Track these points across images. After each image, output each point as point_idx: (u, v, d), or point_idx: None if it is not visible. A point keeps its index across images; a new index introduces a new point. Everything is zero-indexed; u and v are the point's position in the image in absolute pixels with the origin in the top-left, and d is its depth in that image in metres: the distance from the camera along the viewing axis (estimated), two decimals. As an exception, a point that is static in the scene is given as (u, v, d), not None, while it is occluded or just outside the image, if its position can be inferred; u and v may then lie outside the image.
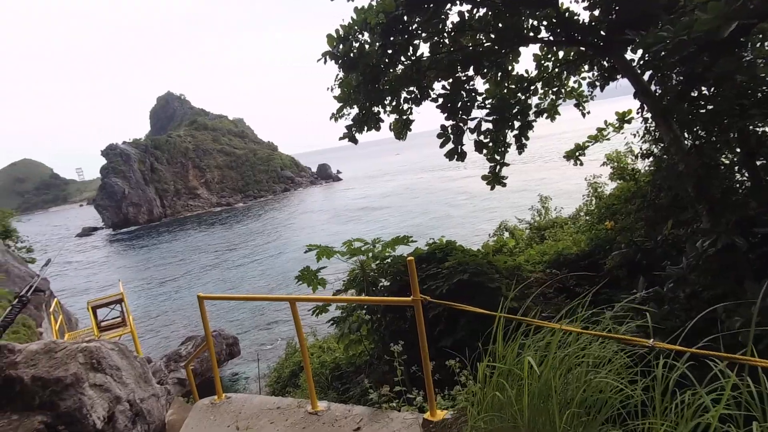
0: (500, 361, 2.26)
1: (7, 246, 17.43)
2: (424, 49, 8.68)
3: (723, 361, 1.81)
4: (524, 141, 9.94)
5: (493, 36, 8.69)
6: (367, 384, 3.59)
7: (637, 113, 7.72)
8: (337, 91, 8.97)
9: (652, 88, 7.09)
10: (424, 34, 8.36)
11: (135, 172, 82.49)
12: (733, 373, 1.81)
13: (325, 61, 7.94)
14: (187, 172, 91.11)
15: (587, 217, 14.42)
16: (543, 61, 9.98)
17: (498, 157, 9.81)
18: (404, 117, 9.55)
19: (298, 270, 8.92)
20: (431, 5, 7.63)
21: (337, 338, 10.38)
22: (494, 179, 9.95)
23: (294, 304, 3.32)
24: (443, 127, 8.54)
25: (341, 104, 8.81)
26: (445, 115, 8.46)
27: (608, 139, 10.18)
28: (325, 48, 7.92)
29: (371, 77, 8.04)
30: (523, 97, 9.71)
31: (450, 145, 8.50)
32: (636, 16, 6.22)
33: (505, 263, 9.97)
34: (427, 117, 9.99)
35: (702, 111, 6.21)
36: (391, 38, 7.66)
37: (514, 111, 9.24)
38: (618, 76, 9.07)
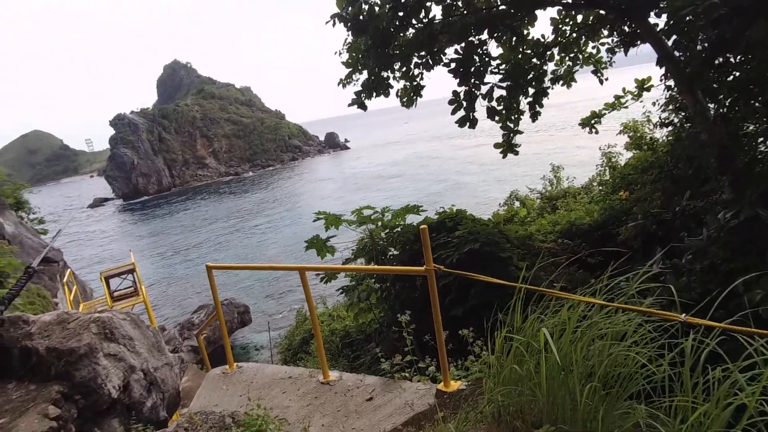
0: (519, 333, 2.18)
1: (20, 218, 17.57)
2: (437, 11, 8.36)
3: (763, 338, 1.71)
4: (538, 108, 9.67)
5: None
6: (379, 353, 3.55)
7: (660, 80, 7.40)
8: (346, 56, 8.71)
9: (676, 54, 6.78)
10: (436, -4, 8.03)
11: (143, 143, 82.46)
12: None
13: (334, 24, 7.66)
14: (195, 141, 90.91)
15: (600, 188, 14.17)
16: (561, 26, 9.58)
17: (511, 125, 9.57)
18: (414, 83, 9.29)
19: (308, 238, 8.88)
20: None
21: (347, 307, 10.44)
22: (507, 147, 9.74)
23: (304, 273, 3.26)
24: (455, 93, 8.28)
25: (350, 70, 8.56)
26: (458, 80, 8.18)
27: (626, 107, 9.86)
28: (334, 10, 7.63)
29: (381, 41, 7.76)
30: (538, 63, 9.38)
31: (461, 112, 8.25)
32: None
33: (516, 233, 9.86)
34: (436, 85, 9.72)
35: (728, 79, 5.93)
36: (403, 0, 7.36)
37: (528, 77, 8.93)
38: (639, 42, 8.70)
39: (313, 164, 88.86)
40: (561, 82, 10.25)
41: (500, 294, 7.16)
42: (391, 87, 8.89)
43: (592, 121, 10.11)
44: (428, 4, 7.94)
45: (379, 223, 9.07)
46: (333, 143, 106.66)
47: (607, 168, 14.50)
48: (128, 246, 40.62)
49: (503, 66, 8.98)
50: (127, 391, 4.49)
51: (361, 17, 7.43)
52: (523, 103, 9.46)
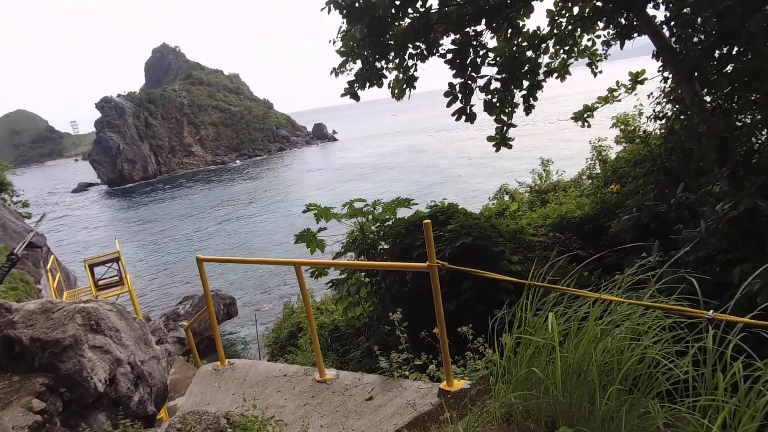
0: (529, 331, 2.09)
1: (3, 200, 17.11)
2: (433, 1, 8.20)
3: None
4: (532, 101, 9.60)
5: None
6: (377, 351, 3.46)
7: (658, 72, 7.37)
8: (339, 44, 8.54)
9: (674, 46, 6.74)
10: (433, -16, 7.87)
11: (130, 127, 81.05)
12: None
13: (329, 11, 7.48)
14: (182, 128, 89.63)
15: (589, 181, 14.22)
16: (557, 17, 9.48)
17: (505, 118, 9.48)
18: (408, 74, 9.15)
19: (297, 230, 8.76)
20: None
21: (336, 300, 10.33)
22: (501, 141, 9.65)
23: (299, 269, 3.14)
24: (451, 85, 8.16)
25: (344, 59, 8.39)
26: (453, 72, 8.06)
27: (619, 101, 9.85)
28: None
29: (377, 29, 7.60)
30: (533, 56, 9.29)
31: (457, 105, 8.14)
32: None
33: (508, 227, 9.82)
34: (424, 77, 9.56)
35: (726, 71, 5.92)
36: (399, -13, 7.20)
37: (523, 69, 8.84)
38: (635, 34, 8.65)
39: (301, 155, 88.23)
40: (555, 74, 10.18)
41: (493, 287, 7.15)
42: (385, 77, 8.75)
43: (585, 115, 10.07)
44: (425, -8, 7.79)
45: (370, 217, 8.96)
46: (321, 134, 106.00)
47: (597, 161, 14.55)
48: (113, 233, 40.04)
49: (498, 58, 8.88)
50: (114, 384, 4.35)
51: (357, 4, 7.26)
52: (517, 96, 9.38)
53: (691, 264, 5.33)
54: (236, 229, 38.59)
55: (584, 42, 10.15)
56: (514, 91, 9.22)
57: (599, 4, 8.91)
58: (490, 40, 9.00)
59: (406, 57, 8.79)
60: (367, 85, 8.69)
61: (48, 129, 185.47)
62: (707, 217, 4.91)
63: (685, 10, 5.22)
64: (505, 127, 9.52)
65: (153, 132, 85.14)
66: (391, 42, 8.24)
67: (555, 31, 9.56)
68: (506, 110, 9.37)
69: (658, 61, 7.63)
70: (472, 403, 2.27)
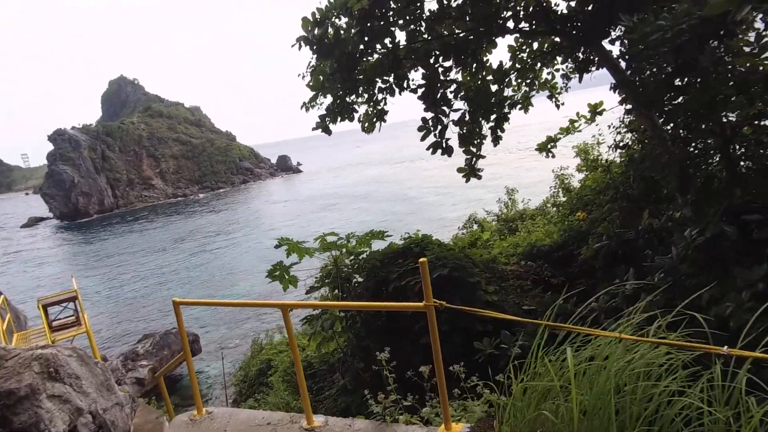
0: (539, 371, 2.04)
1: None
2: (402, 37, 8.42)
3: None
4: (500, 133, 9.87)
5: (469, 24, 8.50)
6: (368, 396, 3.32)
7: (620, 104, 7.72)
8: (309, 79, 8.59)
9: (631, 78, 7.08)
10: (400, 22, 8.08)
11: (85, 160, 78.33)
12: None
13: (300, 47, 7.53)
14: (141, 161, 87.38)
15: (554, 209, 14.60)
16: (518, 53, 9.88)
17: (474, 149, 9.70)
18: (378, 108, 9.28)
19: (265, 264, 8.55)
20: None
21: (309, 336, 10.06)
22: (470, 171, 9.84)
23: (286, 311, 3.01)
24: (424, 119, 8.32)
25: (315, 93, 8.43)
26: (425, 106, 8.24)
27: (580, 131, 10.24)
28: (285, 35, 7.53)
29: (347, 65, 7.69)
30: (499, 89, 9.61)
31: (431, 138, 8.28)
32: (624, 2, 6.13)
33: (481, 256, 9.90)
34: (391, 110, 9.72)
35: (681, 102, 6.25)
36: (368, 24, 7.34)
37: (491, 101, 9.13)
38: (592, 68, 9.08)
39: (265, 187, 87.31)
40: (519, 106, 10.53)
41: (471, 320, 7.13)
42: (356, 111, 8.83)
43: (549, 146, 10.40)
44: (393, 29, 7.98)
45: (344, 250, 8.86)
46: (285, 166, 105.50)
47: (560, 189, 14.99)
48: (67, 269, 38.11)
49: (464, 93, 9.12)
50: (74, 435, 4.03)
51: (326, 40, 7.34)
52: (485, 128, 9.63)
53: (662, 290, 5.48)
54: (201, 263, 37.39)
55: (544, 75, 10.60)
56: (482, 123, 9.47)
57: (557, 39, 9.36)
58: (456, 75, 9.28)
59: (376, 91, 8.92)
60: (339, 119, 8.74)
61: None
62: (677, 243, 5.07)
63: (642, 46, 5.51)
64: (474, 158, 9.73)
65: (110, 165, 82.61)
66: (361, 77, 8.36)
67: (517, 65, 9.95)
68: (475, 142, 9.59)
69: (615, 93, 8.01)
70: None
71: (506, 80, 9.80)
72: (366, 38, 7.56)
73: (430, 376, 3.61)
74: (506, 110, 9.71)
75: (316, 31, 7.29)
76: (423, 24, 8.31)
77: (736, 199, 5.25)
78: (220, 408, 3.52)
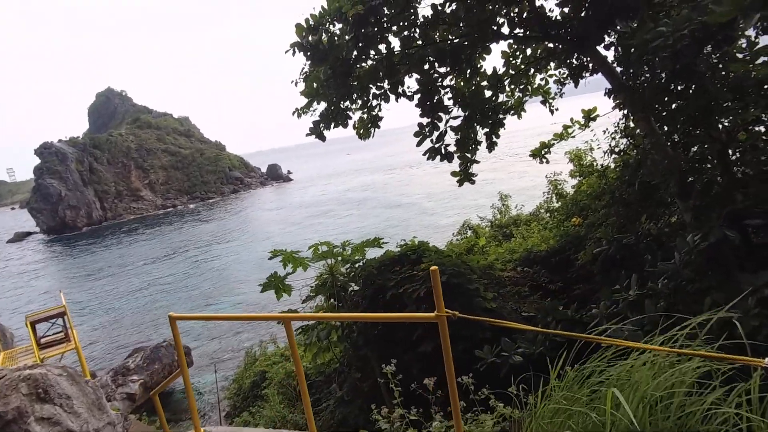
0: (568, 394, 1.93)
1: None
2: (396, 43, 8.38)
3: None
4: (495, 139, 9.84)
5: (463, 30, 8.48)
6: (375, 411, 3.19)
7: (614, 109, 7.71)
8: (302, 86, 8.50)
9: (628, 84, 7.07)
10: (395, 28, 8.03)
11: (72, 173, 77.38)
12: None
13: (294, 53, 7.44)
14: (130, 172, 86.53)
15: (548, 214, 14.58)
16: (511, 59, 9.88)
17: (468, 155, 9.66)
18: (372, 114, 9.21)
19: (257, 273, 8.41)
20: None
21: (304, 347, 9.89)
22: (464, 176, 9.81)
23: (289, 324, 2.88)
24: (420, 125, 8.26)
25: (309, 99, 8.33)
26: (420, 112, 8.17)
27: (573, 137, 10.23)
28: (278, 43, 7.45)
29: (342, 71, 7.61)
30: (493, 94, 9.59)
31: (428, 144, 8.22)
32: (619, 8, 6.12)
33: (478, 263, 9.81)
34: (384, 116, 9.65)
35: (674, 107, 6.24)
36: (363, 30, 7.27)
37: (486, 107, 9.10)
38: (587, 74, 9.08)
39: (256, 196, 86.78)
40: (512, 112, 10.51)
41: (470, 328, 7.01)
42: (350, 118, 8.75)
43: (543, 152, 10.38)
44: (387, 35, 7.93)
45: (339, 258, 8.73)
46: (275, 175, 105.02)
47: (554, 195, 14.98)
48: (55, 284, 37.43)
49: (460, 98, 9.09)
50: (65, 461, 3.84)
51: (320, 47, 7.26)
52: (480, 134, 9.60)
53: (664, 296, 5.42)
54: (191, 273, 36.90)
55: (537, 81, 10.60)
56: (477, 128, 9.44)
57: (551, 45, 9.36)
58: (451, 81, 9.25)
59: (370, 97, 8.85)
60: (333, 125, 8.65)
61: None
62: (680, 248, 5.01)
63: (640, 52, 5.48)
64: (468, 163, 9.69)
65: (98, 177, 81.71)
66: (355, 83, 8.29)
67: (510, 71, 9.94)
68: (470, 147, 9.55)
69: (610, 98, 8.00)
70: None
71: (500, 86, 9.79)
72: (360, 44, 7.50)
73: (435, 389, 3.49)
74: (501, 116, 9.69)
75: (310, 38, 7.22)
76: (417, 30, 8.27)
77: (738, 203, 5.22)
78: (219, 428, 3.37)
